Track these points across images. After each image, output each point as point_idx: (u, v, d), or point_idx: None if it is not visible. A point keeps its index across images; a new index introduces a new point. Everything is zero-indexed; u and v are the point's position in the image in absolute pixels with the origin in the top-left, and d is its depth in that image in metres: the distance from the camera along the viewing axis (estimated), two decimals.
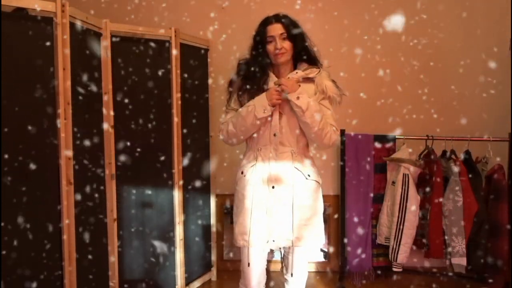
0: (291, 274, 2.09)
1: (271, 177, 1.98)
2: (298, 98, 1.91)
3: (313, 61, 2.06)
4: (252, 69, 2.02)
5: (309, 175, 2.02)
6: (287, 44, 1.97)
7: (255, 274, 2.06)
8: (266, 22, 2.00)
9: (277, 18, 1.99)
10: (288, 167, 1.99)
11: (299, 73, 2.01)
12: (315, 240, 2.04)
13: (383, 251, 3.04)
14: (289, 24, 1.98)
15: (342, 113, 3.08)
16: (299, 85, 1.95)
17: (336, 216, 3.22)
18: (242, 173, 2.06)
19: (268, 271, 2.18)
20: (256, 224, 1.98)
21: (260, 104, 1.94)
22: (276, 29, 1.97)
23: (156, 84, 2.60)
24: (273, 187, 1.98)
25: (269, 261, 3.16)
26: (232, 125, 2.02)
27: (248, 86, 2.01)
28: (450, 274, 2.95)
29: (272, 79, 2.02)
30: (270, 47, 1.98)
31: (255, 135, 2.03)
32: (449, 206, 2.80)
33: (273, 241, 1.99)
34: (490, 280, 2.76)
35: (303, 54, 2.04)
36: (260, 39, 2.00)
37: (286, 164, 1.99)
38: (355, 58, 3.12)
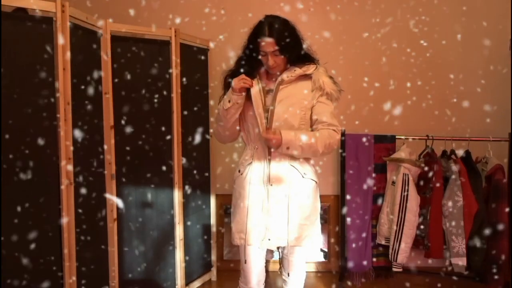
0: (288, 274, 2.10)
1: (268, 175, 1.98)
2: (288, 148, 1.91)
3: (309, 61, 2.04)
4: (242, 70, 2.01)
5: (305, 174, 2.01)
6: (279, 59, 1.95)
7: (254, 272, 2.06)
8: (259, 32, 1.94)
9: (270, 31, 1.91)
10: (285, 166, 1.99)
11: (297, 71, 2.00)
12: (311, 240, 2.04)
13: (383, 251, 3.04)
14: (282, 37, 1.91)
15: (342, 113, 3.09)
16: (280, 134, 1.91)
17: (336, 216, 3.22)
18: (239, 171, 2.07)
19: (267, 271, 2.19)
20: (253, 222, 1.99)
21: (227, 96, 1.98)
22: (268, 46, 1.91)
23: (156, 84, 2.60)
24: (271, 185, 1.98)
25: (268, 261, 3.16)
26: (215, 123, 2.08)
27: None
28: (450, 274, 2.95)
29: (259, 82, 2.01)
30: (263, 59, 1.97)
31: (254, 132, 2.03)
32: (449, 206, 2.80)
33: (269, 239, 1.99)
34: (490, 280, 2.76)
35: (298, 59, 2.02)
36: (254, 46, 1.97)
37: (282, 162, 1.99)
38: (355, 58, 3.12)
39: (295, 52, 1.99)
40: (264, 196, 1.99)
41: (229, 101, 1.96)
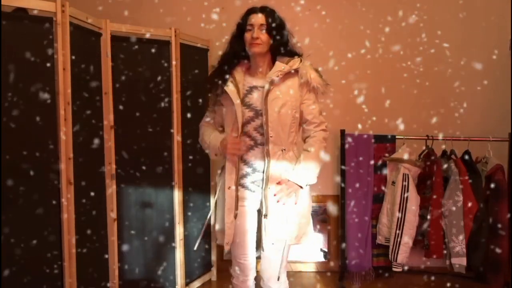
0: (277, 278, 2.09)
1: (266, 179, 1.99)
2: (302, 187, 1.98)
3: (292, 54, 2.03)
4: (220, 66, 2.04)
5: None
6: (264, 36, 1.96)
7: (244, 266, 2.09)
8: (250, 10, 2.00)
9: (261, 9, 1.98)
10: (280, 170, 1.99)
11: (285, 68, 1.98)
12: (307, 237, 2.07)
13: (383, 251, 3.04)
14: (272, 17, 1.97)
15: (342, 113, 3.09)
16: (292, 182, 1.97)
17: (336, 216, 3.22)
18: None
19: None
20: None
21: (213, 145, 2.04)
22: (257, 19, 1.96)
23: (156, 84, 2.60)
24: (269, 188, 1.99)
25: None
26: (202, 140, 2.13)
27: (212, 85, 2.05)
28: (450, 274, 2.95)
29: (232, 81, 2.00)
30: (247, 35, 1.97)
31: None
32: (449, 206, 2.80)
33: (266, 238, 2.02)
34: (490, 280, 2.76)
35: (281, 49, 2.01)
36: (241, 26, 2.00)
37: (278, 166, 1.99)
38: (355, 57, 3.12)
39: (280, 35, 1.98)
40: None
41: (215, 154, 2.07)
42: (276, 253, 2.02)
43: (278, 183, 1.96)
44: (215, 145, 2.03)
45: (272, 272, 2.05)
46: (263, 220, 1.98)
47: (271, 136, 1.95)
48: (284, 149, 1.99)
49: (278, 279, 2.04)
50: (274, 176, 1.97)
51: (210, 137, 2.07)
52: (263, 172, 1.98)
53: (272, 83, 1.96)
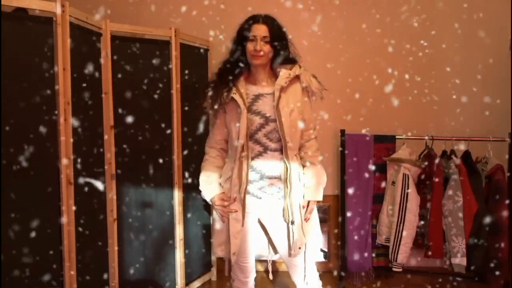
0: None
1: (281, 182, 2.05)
2: (316, 202, 2.09)
3: (291, 61, 2.05)
4: (223, 75, 2.03)
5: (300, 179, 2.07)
6: (267, 48, 1.95)
7: (246, 268, 2.13)
8: (253, 19, 1.97)
9: (264, 19, 1.96)
10: (295, 175, 2.03)
11: (291, 73, 2.00)
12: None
13: (383, 251, 3.04)
14: (275, 29, 1.96)
15: (342, 113, 3.09)
16: (312, 202, 2.09)
17: (336, 216, 3.22)
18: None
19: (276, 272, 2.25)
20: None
21: (205, 196, 2.10)
22: (260, 30, 1.94)
23: (156, 84, 2.59)
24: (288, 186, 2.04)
25: (274, 262, 3.16)
26: (200, 177, 2.13)
27: (215, 94, 2.04)
28: (450, 274, 2.95)
29: (237, 91, 1.99)
30: (250, 46, 1.96)
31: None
32: (449, 206, 2.80)
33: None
34: (490, 280, 2.76)
35: (282, 59, 2.02)
36: (243, 35, 1.99)
37: (292, 168, 2.02)
38: (355, 57, 3.12)
39: (282, 46, 1.99)
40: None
41: (202, 191, 2.11)
42: (307, 257, 2.11)
43: (303, 207, 2.04)
44: (206, 198, 2.10)
45: (311, 275, 2.19)
46: (290, 226, 2.00)
47: (288, 142, 1.96)
48: (297, 154, 2.04)
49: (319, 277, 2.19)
50: (292, 180, 2.00)
51: (204, 183, 2.09)
52: (284, 179, 1.99)
53: (282, 90, 1.96)
